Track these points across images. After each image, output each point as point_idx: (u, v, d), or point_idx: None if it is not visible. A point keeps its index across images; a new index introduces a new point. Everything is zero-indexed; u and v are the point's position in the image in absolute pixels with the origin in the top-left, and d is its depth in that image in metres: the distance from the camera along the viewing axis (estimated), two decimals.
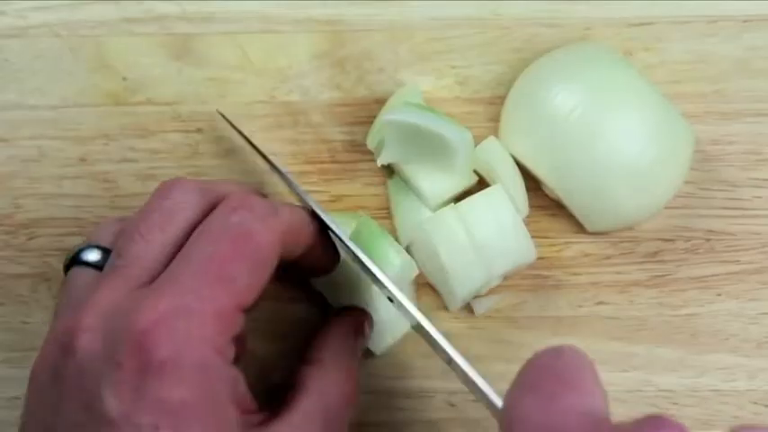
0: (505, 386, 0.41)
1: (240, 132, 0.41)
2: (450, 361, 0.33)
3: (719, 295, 0.42)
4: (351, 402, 0.35)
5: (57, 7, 0.45)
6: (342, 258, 0.38)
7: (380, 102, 0.43)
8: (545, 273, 0.42)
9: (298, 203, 0.37)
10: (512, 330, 0.42)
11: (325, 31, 0.44)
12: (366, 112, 0.43)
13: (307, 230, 0.35)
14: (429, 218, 0.40)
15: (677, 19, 0.44)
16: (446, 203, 0.41)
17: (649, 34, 0.44)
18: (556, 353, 0.28)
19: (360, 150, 0.43)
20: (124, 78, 0.44)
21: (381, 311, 0.40)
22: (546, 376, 0.27)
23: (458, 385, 0.41)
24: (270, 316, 0.42)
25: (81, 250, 0.34)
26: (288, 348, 0.41)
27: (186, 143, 0.44)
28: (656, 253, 0.42)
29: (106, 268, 0.32)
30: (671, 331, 0.42)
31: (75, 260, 0.34)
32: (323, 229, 0.36)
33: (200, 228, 0.31)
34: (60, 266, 0.42)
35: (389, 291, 0.34)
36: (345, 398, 0.34)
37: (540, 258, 0.42)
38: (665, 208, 0.42)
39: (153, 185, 0.43)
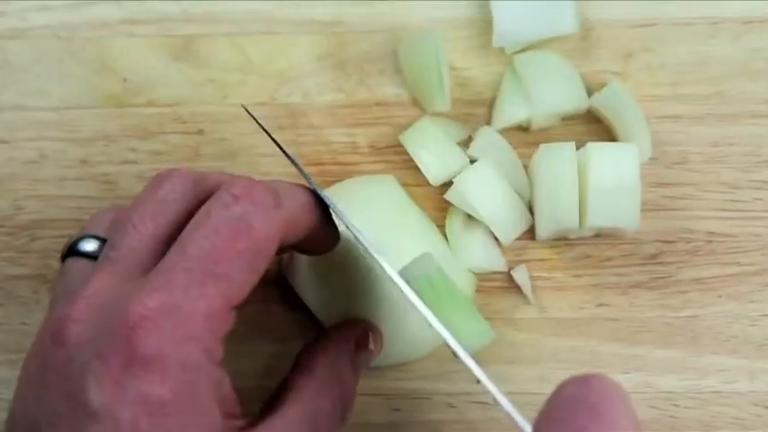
0: (507, 388, 0.41)
1: (265, 130, 0.37)
2: (478, 381, 0.31)
3: (720, 297, 0.42)
4: (341, 418, 0.34)
5: (57, 8, 0.45)
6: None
7: (381, 104, 0.43)
8: (546, 274, 0.42)
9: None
10: (512, 332, 0.42)
11: (326, 33, 0.44)
12: (367, 113, 0.43)
13: (309, 216, 0.33)
14: (549, 145, 0.40)
15: (678, 20, 0.44)
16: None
17: (650, 36, 0.44)
18: (584, 383, 0.27)
19: (360, 152, 0.43)
20: (125, 80, 0.44)
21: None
22: (576, 409, 0.26)
23: (458, 386, 0.41)
24: (269, 318, 0.42)
25: (77, 240, 0.33)
26: (288, 352, 0.41)
27: (187, 144, 0.44)
28: (656, 255, 0.42)
29: (100, 259, 0.32)
30: (672, 333, 0.42)
31: (71, 251, 0.33)
32: (325, 209, 0.34)
33: (199, 215, 0.30)
34: None
35: (415, 307, 0.32)
36: (334, 412, 0.33)
37: (540, 260, 0.42)
38: (666, 210, 0.42)
39: None
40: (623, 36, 0.44)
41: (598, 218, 0.40)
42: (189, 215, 0.31)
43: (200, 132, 0.44)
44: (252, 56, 0.44)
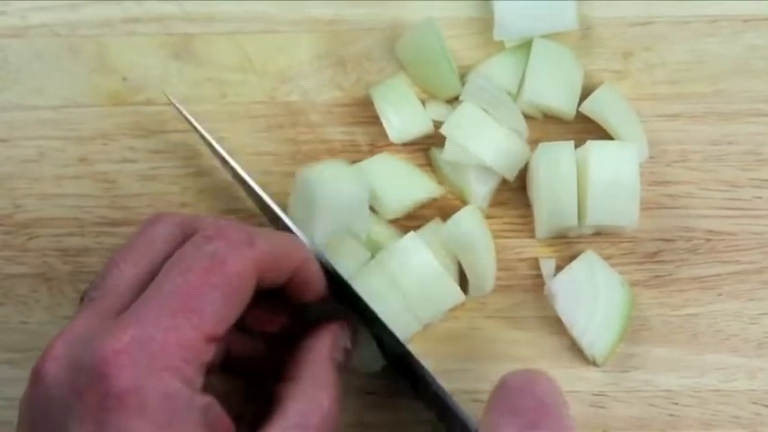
0: None
1: (187, 118, 0.39)
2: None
3: (720, 295, 0.42)
4: (331, 419, 0.33)
5: (57, 7, 0.45)
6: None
7: None
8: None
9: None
10: (512, 330, 0.42)
11: (326, 32, 0.44)
12: (366, 112, 0.43)
13: (292, 258, 0.34)
14: (548, 144, 0.41)
15: (677, 19, 0.44)
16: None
17: (649, 34, 0.44)
18: (532, 377, 0.28)
19: (360, 150, 0.43)
20: (124, 78, 0.44)
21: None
22: (526, 401, 0.27)
23: (457, 385, 0.41)
24: None
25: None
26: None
27: (186, 143, 0.44)
28: (656, 253, 0.42)
29: (84, 299, 0.32)
30: (671, 331, 0.41)
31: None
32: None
33: (174, 257, 0.31)
34: (60, 266, 0.43)
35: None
36: (325, 415, 0.33)
37: (539, 258, 0.42)
38: (666, 208, 0.42)
39: (153, 186, 0.43)
40: (623, 35, 0.44)
41: (597, 216, 0.40)
42: (170, 257, 0.32)
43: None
44: (251, 55, 0.44)
